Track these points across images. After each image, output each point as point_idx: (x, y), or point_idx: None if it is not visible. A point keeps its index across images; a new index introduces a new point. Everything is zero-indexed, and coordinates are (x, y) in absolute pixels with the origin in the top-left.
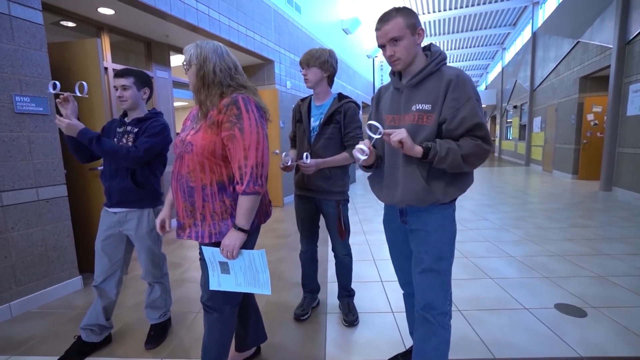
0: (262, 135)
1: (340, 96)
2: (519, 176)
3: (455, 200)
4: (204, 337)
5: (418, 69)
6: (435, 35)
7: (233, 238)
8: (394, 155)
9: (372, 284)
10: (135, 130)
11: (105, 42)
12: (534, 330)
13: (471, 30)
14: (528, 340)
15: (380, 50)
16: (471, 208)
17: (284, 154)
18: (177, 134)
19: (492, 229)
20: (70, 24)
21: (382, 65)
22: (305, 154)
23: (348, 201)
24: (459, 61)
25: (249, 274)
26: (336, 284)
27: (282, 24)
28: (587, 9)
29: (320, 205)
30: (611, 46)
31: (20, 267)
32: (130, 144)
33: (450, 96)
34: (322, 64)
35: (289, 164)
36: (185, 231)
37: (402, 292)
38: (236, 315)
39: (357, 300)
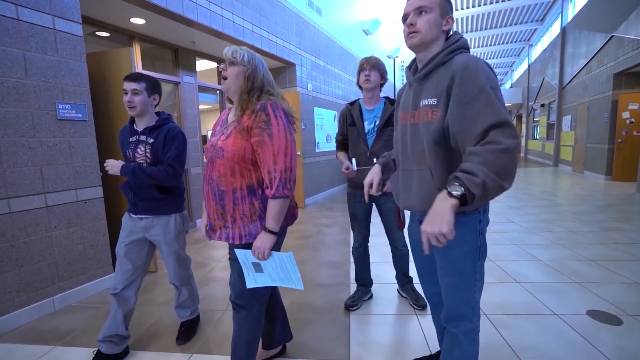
0: (290, 141)
1: (389, 100)
2: (547, 177)
3: (482, 210)
4: (234, 334)
5: (429, 57)
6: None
7: (264, 240)
8: (405, 157)
9: (395, 286)
10: (151, 140)
11: (137, 50)
12: (565, 337)
13: (496, 27)
14: (558, 347)
15: (401, 50)
16: (496, 210)
17: (351, 161)
18: (203, 136)
19: (518, 231)
20: (105, 34)
21: (402, 66)
22: (353, 160)
23: None
24: (484, 58)
25: (282, 272)
26: (354, 285)
27: (303, 27)
28: (622, 2)
29: (379, 202)
30: None
31: (62, 263)
32: (148, 154)
33: (455, 91)
34: (383, 72)
35: (355, 169)
36: (216, 233)
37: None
38: (264, 313)
39: (381, 303)
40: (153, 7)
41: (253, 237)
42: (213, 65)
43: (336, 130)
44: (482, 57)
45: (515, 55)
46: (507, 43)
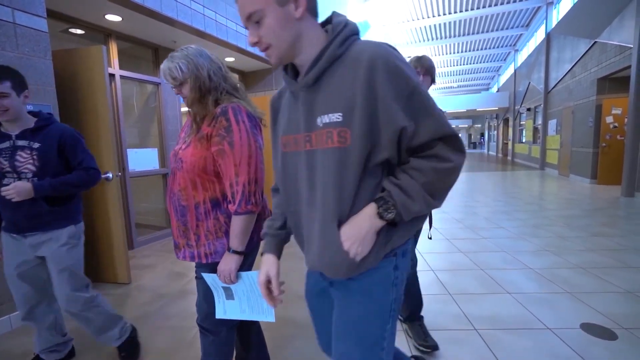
0: (255, 149)
1: None
2: (534, 180)
3: (401, 252)
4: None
5: (312, 56)
6: (445, 37)
7: (228, 262)
8: (298, 198)
9: None
10: (37, 145)
11: (113, 48)
12: (560, 354)
13: (483, 32)
14: None
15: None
16: (486, 215)
17: None
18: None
19: (508, 237)
20: (79, 31)
21: None
22: None
23: None
24: (471, 63)
25: (252, 298)
26: None
27: None
28: (604, 8)
29: None
30: (631, 46)
31: None
32: (35, 161)
33: (381, 94)
34: (434, 74)
35: None
36: (181, 251)
37: None
38: (234, 337)
39: None
40: (129, 3)
41: (220, 256)
42: None
43: None
44: (469, 61)
45: (501, 60)
46: (493, 48)
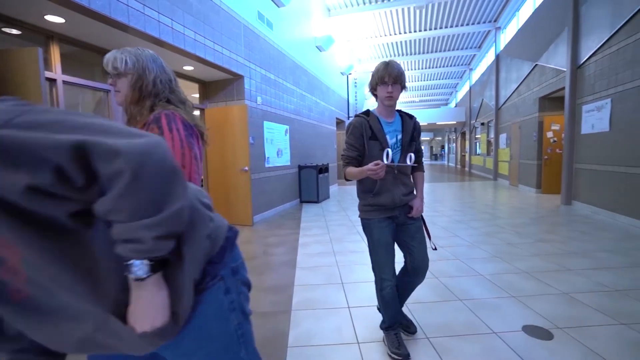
0: (189, 158)
1: (404, 112)
2: (488, 191)
3: (229, 271)
4: None
5: None
6: (407, 54)
7: None
8: None
9: (340, 311)
10: None
11: (55, 52)
12: (502, 357)
13: (441, 51)
14: None
15: (354, 67)
16: (443, 224)
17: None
18: None
19: (463, 246)
20: (15, 32)
21: (355, 82)
22: (386, 151)
23: None
24: (431, 79)
25: None
26: (297, 312)
27: (253, 39)
28: (542, 34)
29: (407, 222)
30: (565, 69)
31: None
32: None
33: None
34: (404, 82)
35: (387, 162)
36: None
37: None
38: None
39: (323, 332)
40: (70, 4)
41: None
42: None
43: (311, 144)
44: (430, 77)
45: (458, 78)
46: (450, 66)
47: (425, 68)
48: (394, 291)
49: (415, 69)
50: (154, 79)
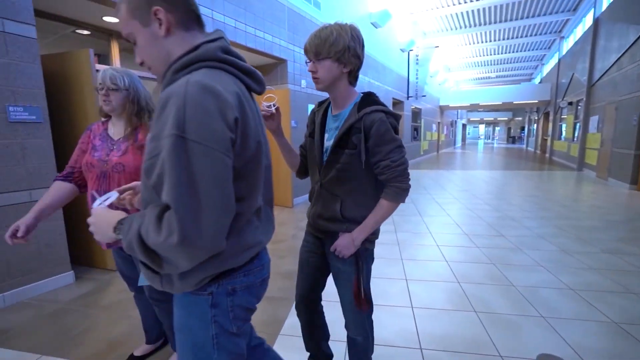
0: None
1: (364, 101)
2: (566, 183)
3: (223, 292)
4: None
5: None
6: (481, 24)
7: None
8: None
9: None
10: None
11: (114, 48)
12: None
13: (523, 18)
14: None
15: (416, 43)
16: (490, 220)
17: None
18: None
19: (504, 248)
20: (85, 32)
21: (417, 59)
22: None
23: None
24: (510, 52)
25: None
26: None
27: (298, 21)
28: None
29: (329, 251)
30: None
31: (14, 261)
32: None
33: (151, 131)
34: (340, 53)
35: (272, 109)
36: (118, 243)
37: None
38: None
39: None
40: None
41: None
42: None
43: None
44: (509, 50)
45: (545, 48)
46: (535, 35)
47: (503, 39)
48: (303, 317)
49: (489, 41)
50: (143, 95)
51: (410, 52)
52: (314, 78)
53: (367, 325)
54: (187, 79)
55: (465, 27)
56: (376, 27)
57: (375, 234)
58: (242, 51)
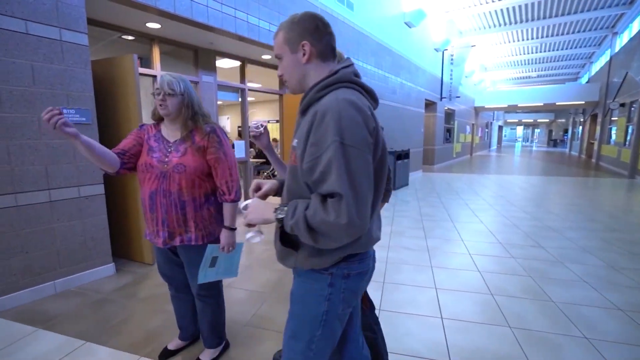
0: (233, 156)
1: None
2: (615, 191)
3: (340, 275)
4: (204, 318)
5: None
6: (521, 21)
7: (229, 236)
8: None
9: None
10: None
11: (155, 52)
12: None
13: (570, 13)
14: None
15: (451, 43)
16: (527, 229)
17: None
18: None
19: (543, 260)
20: (130, 38)
21: (452, 59)
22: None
23: None
24: (553, 50)
25: (228, 264)
26: None
27: (331, 23)
28: None
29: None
30: None
31: (64, 252)
32: None
33: (312, 137)
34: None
35: (261, 129)
36: (175, 239)
37: None
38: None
39: None
40: (162, 13)
41: (212, 236)
42: (235, 63)
43: None
44: (551, 47)
45: (595, 45)
46: (584, 31)
47: (547, 36)
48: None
49: (531, 39)
50: (195, 99)
51: (444, 51)
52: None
53: (372, 323)
54: (335, 96)
55: (505, 24)
56: (410, 27)
57: None
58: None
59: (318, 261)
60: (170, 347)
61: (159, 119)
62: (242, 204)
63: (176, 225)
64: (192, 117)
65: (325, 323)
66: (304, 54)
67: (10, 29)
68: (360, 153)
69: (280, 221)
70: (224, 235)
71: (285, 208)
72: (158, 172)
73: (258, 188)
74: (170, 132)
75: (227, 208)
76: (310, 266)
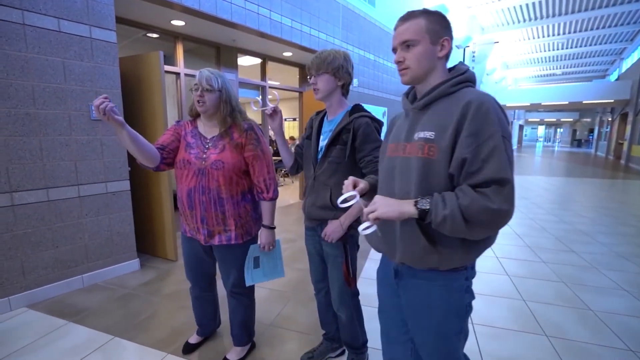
0: (269, 153)
1: (355, 109)
2: None
3: (470, 266)
4: (237, 317)
5: (428, 88)
6: (546, 17)
7: (268, 235)
8: (390, 194)
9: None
10: None
11: (179, 49)
12: None
13: (602, 7)
14: None
15: (473, 39)
16: (557, 234)
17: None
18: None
19: (576, 266)
20: (155, 35)
21: (473, 56)
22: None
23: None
24: (580, 46)
25: (272, 262)
26: None
27: (352, 19)
28: None
29: (321, 237)
30: None
31: (92, 246)
32: None
33: (468, 127)
34: (336, 70)
35: (268, 108)
36: (214, 238)
37: None
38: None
39: None
40: (187, 10)
41: (250, 235)
42: (256, 61)
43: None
44: (578, 44)
45: (627, 40)
46: (613, 26)
47: (573, 32)
48: (322, 299)
49: (556, 35)
50: (234, 96)
51: (466, 48)
52: (314, 89)
53: (351, 304)
54: (482, 93)
55: (530, 20)
56: None
57: (358, 222)
58: (299, 50)
59: (464, 257)
60: (191, 341)
61: (196, 115)
62: (362, 228)
63: (215, 223)
64: (231, 114)
65: (469, 311)
66: (441, 49)
67: (44, 27)
68: (511, 145)
69: (423, 213)
70: (263, 234)
71: (428, 200)
72: (196, 168)
73: (355, 184)
74: (207, 128)
75: (265, 206)
76: (454, 264)
